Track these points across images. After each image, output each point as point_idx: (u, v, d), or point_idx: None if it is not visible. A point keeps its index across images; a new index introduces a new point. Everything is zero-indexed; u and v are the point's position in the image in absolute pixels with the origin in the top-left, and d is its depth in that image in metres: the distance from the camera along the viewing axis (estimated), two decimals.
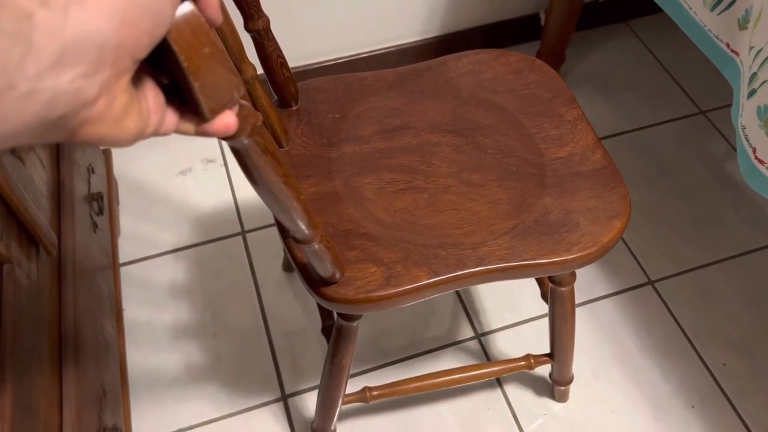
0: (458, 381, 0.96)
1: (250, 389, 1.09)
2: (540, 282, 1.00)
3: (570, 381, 1.04)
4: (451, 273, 0.71)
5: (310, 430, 1.04)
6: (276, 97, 0.85)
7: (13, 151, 0.81)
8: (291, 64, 1.40)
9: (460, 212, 0.76)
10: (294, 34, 1.38)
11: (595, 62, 1.57)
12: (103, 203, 1.08)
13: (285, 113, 0.85)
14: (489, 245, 0.73)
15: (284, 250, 1.20)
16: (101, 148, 1.05)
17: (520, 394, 1.09)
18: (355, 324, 0.80)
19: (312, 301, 1.18)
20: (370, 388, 0.94)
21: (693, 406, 1.08)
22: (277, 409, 1.07)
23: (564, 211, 0.76)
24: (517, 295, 1.20)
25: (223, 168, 1.36)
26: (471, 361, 1.13)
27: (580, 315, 1.18)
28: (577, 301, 1.17)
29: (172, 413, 1.07)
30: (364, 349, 1.13)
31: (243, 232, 1.28)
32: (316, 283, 0.70)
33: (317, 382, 1.09)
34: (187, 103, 0.36)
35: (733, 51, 0.91)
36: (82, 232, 0.96)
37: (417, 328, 1.16)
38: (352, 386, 1.08)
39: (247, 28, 0.75)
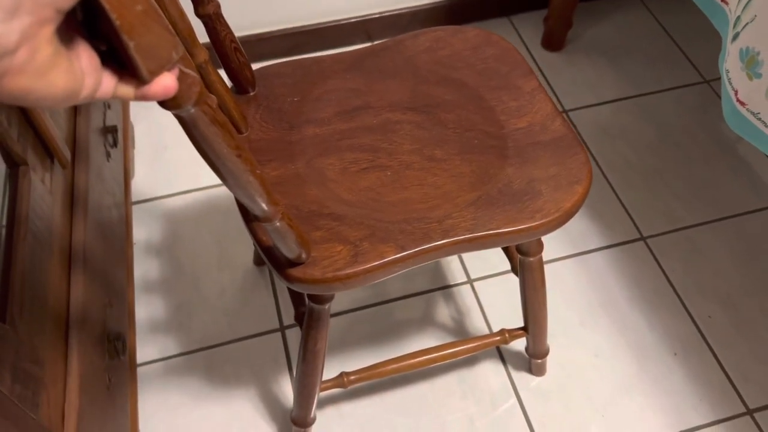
0: (435, 360, 0.96)
1: (251, 319, 1.15)
2: (509, 256, 1.01)
3: (546, 353, 1.05)
4: (418, 247, 0.71)
5: (290, 419, 1.03)
6: (232, 83, 0.84)
7: None
8: (304, 22, 1.49)
9: (424, 187, 0.76)
10: None
11: (603, 30, 1.60)
12: (117, 137, 1.13)
13: (243, 99, 0.84)
14: (454, 217, 0.73)
15: (254, 243, 1.19)
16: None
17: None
18: (326, 307, 0.80)
19: None
20: (347, 374, 0.94)
21: (675, 354, 1.11)
22: (276, 338, 1.13)
23: (526, 180, 0.76)
24: None
25: None
26: (462, 304, 1.17)
27: (571, 266, 1.21)
28: (568, 253, 1.23)
29: (176, 337, 1.13)
30: (361, 290, 1.17)
31: None
32: (282, 265, 0.70)
33: None
34: (125, 68, 0.35)
35: (722, 0, 0.93)
36: (96, 158, 1.01)
37: (411, 270, 1.18)
38: (339, 342, 1.11)
39: (197, 13, 0.74)
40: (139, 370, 1.09)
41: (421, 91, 0.86)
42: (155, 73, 0.35)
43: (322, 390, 0.93)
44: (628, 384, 1.08)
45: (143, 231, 1.25)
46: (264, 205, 0.57)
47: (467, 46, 0.90)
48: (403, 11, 1.53)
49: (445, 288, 1.19)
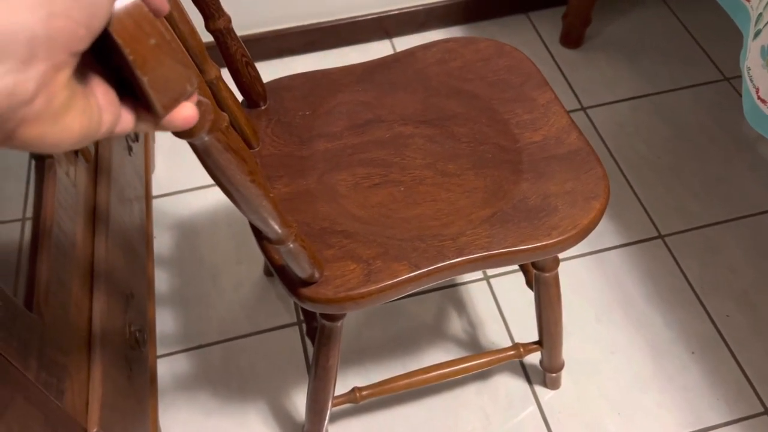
0: (448, 375, 0.95)
1: (268, 313, 1.16)
2: (524, 269, 0.99)
3: (560, 368, 1.03)
4: (432, 265, 0.70)
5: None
6: (243, 98, 0.83)
7: None
8: (320, 19, 1.50)
9: (437, 203, 0.75)
10: None
11: (622, 26, 1.60)
12: None
13: (254, 113, 0.83)
14: (468, 235, 0.72)
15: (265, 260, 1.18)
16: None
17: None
18: (339, 324, 0.79)
19: None
20: (359, 389, 0.93)
21: (693, 353, 1.10)
22: (293, 332, 1.13)
23: (542, 196, 0.75)
24: None
25: None
26: (477, 302, 1.16)
27: (588, 263, 1.21)
28: (584, 251, 1.22)
29: (195, 329, 1.14)
30: None
31: None
32: (295, 284, 0.68)
33: None
34: (140, 101, 0.34)
35: None
36: (118, 152, 1.04)
37: None
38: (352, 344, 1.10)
39: (208, 27, 0.73)
40: (159, 361, 1.10)
41: (432, 103, 0.85)
42: (169, 107, 0.34)
43: (333, 405, 0.92)
44: (644, 382, 1.07)
45: (163, 225, 1.26)
46: (277, 228, 0.56)
47: (479, 57, 0.89)
48: (420, 8, 1.53)
49: (460, 285, 1.18)
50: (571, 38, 1.54)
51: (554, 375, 1.04)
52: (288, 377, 1.08)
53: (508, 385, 1.07)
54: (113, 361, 0.82)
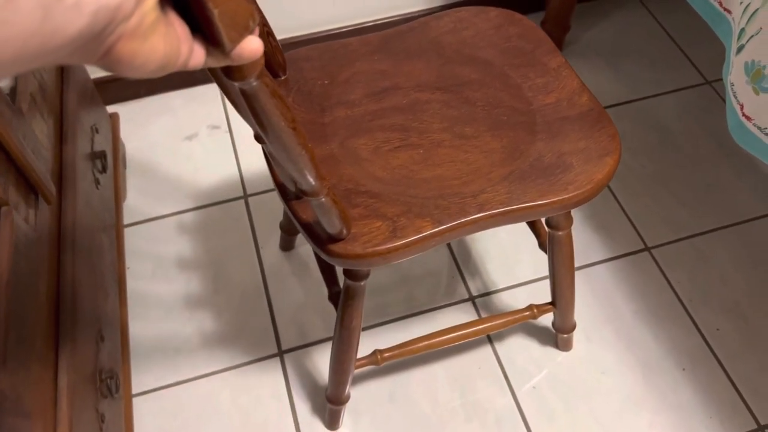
0: (466, 336, 0.98)
1: (248, 344, 1.13)
2: (537, 232, 1.02)
3: (573, 328, 1.06)
4: (455, 221, 0.72)
5: (325, 398, 1.05)
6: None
7: (13, 101, 0.81)
8: (295, 32, 1.45)
9: (456, 164, 0.78)
10: (299, 1, 1.40)
11: (602, 32, 1.57)
12: (107, 162, 1.10)
13: None
14: (488, 192, 0.75)
15: (281, 227, 1.21)
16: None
17: (521, 346, 1.11)
18: (362, 283, 0.81)
19: (311, 261, 1.21)
20: (380, 351, 0.96)
21: (683, 369, 1.09)
22: (274, 363, 1.11)
23: (557, 154, 0.78)
24: (512, 260, 1.21)
25: (228, 134, 1.40)
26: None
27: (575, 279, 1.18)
28: None
29: (172, 365, 1.10)
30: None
31: (245, 196, 1.31)
32: (323, 241, 0.71)
33: (313, 338, 1.13)
34: (209, 37, 0.37)
35: (725, 9, 0.92)
36: (84, 187, 0.99)
37: (412, 288, 1.18)
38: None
39: None
40: (135, 400, 1.06)
41: (447, 70, 0.87)
42: (236, 40, 0.36)
43: (356, 367, 0.95)
44: (636, 402, 1.06)
45: (136, 254, 1.22)
46: (312, 180, 0.58)
47: (490, 25, 0.92)
48: (398, 18, 1.49)
49: (446, 306, 1.16)
50: None
51: (566, 336, 1.07)
52: (271, 412, 1.05)
53: (497, 412, 1.05)
54: (82, 416, 0.77)
